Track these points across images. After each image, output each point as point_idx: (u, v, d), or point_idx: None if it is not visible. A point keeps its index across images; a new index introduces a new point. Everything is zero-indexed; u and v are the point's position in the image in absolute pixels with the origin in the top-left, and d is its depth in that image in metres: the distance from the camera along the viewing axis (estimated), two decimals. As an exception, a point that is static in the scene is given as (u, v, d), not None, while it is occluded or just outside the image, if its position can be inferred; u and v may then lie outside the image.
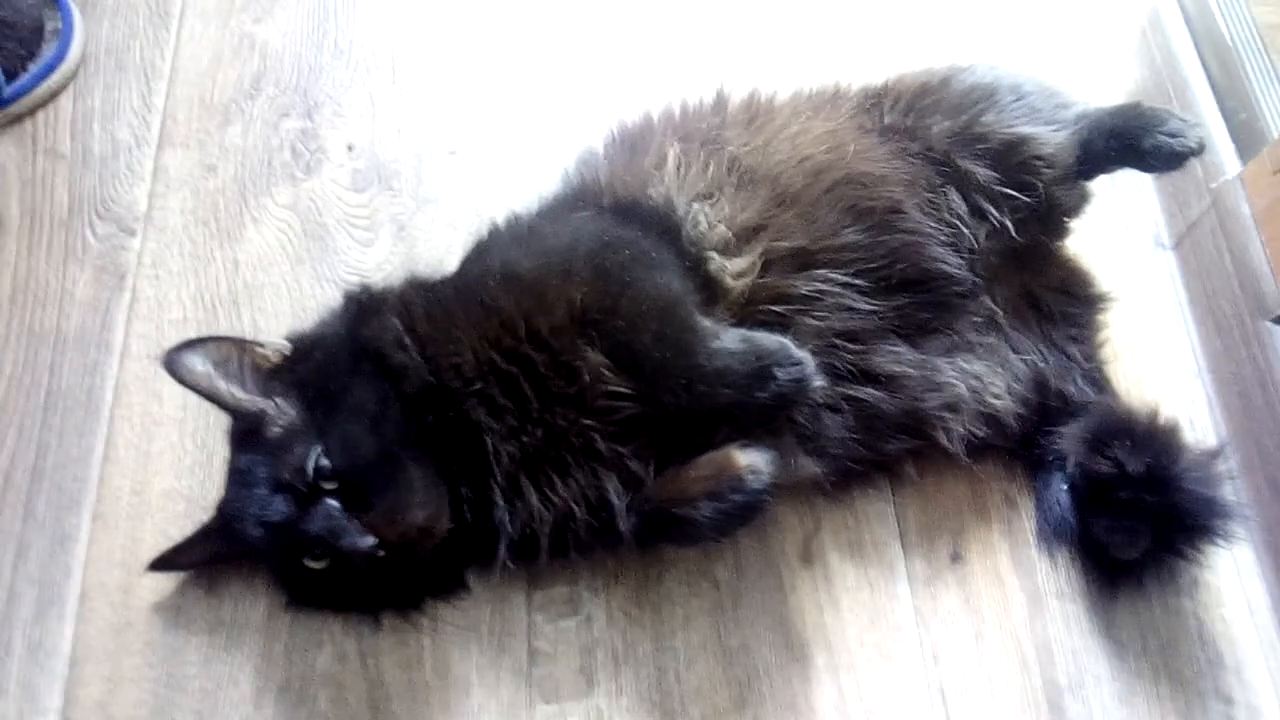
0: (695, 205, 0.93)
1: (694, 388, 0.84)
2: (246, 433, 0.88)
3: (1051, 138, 1.02)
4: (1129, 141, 1.01)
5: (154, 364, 1.06)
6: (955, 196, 1.00)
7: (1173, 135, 1.00)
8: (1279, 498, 1.06)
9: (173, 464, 1.02)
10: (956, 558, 1.04)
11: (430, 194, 1.19)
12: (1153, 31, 1.36)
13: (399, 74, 1.28)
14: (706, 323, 0.86)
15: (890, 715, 0.97)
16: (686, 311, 0.87)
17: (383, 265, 1.13)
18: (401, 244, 1.15)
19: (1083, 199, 1.10)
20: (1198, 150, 1.00)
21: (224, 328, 1.09)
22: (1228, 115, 1.25)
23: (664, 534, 0.89)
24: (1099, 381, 1.08)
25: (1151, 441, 0.98)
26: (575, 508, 0.87)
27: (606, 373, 0.86)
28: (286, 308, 1.10)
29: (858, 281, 0.94)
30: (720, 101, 1.07)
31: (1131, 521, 0.97)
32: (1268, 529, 1.07)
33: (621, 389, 0.86)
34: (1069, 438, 1.00)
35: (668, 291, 0.87)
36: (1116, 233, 1.28)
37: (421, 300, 0.91)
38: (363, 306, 0.92)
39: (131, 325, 1.10)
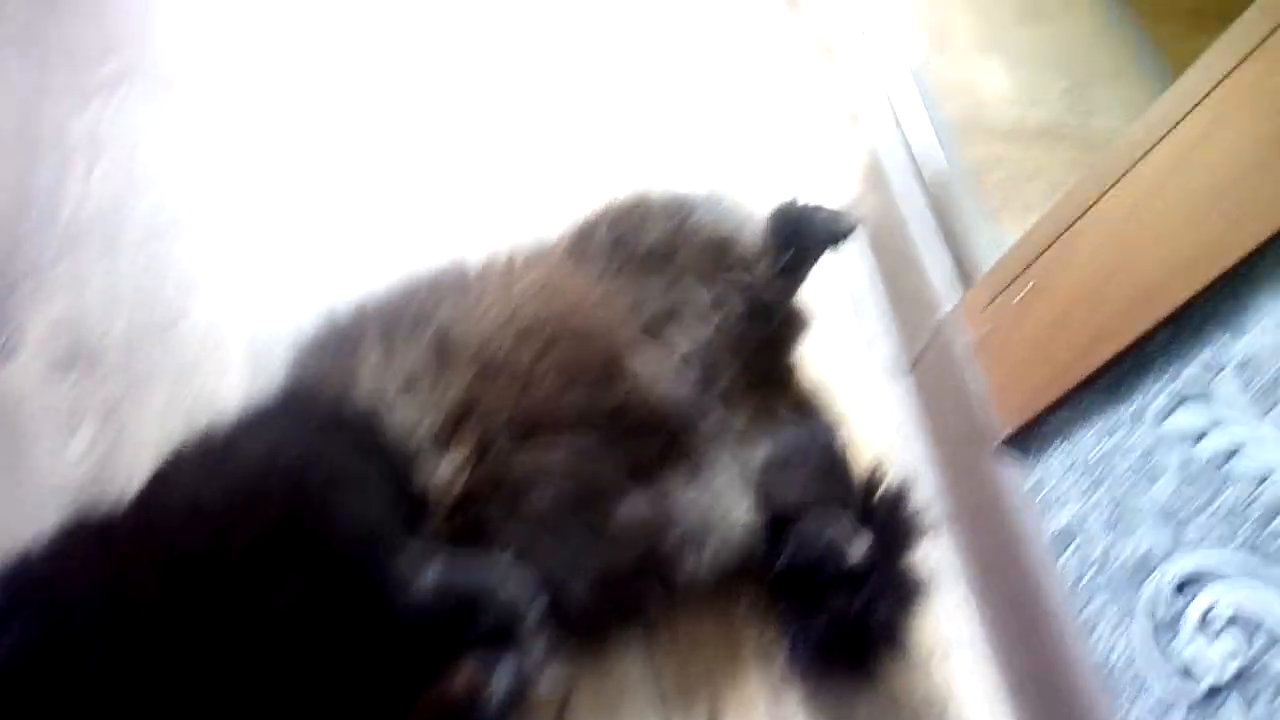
0: (397, 400, 0.88)
1: (388, 635, 0.78)
2: None
3: (750, 233, 1.13)
4: (798, 227, 1.15)
5: None
6: (676, 317, 1.03)
7: (829, 220, 1.16)
8: (1015, 622, 1.10)
9: None
10: (715, 718, 1.02)
11: (143, 373, 1.10)
12: (878, 166, 1.44)
13: (111, 244, 1.19)
14: (404, 562, 0.80)
15: None
16: (379, 550, 0.80)
17: (87, 456, 1.04)
18: (109, 430, 1.06)
19: (799, 316, 1.17)
20: (850, 230, 1.16)
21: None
22: (947, 248, 1.32)
23: None
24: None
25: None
26: None
27: (306, 614, 0.77)
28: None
29: (586, 440, 0.92)
30: (433, 275, 1.03)
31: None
32: (1004, 653, 1.10)
33: (322, 632, 0.78)
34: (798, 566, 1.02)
35: (362, 522, 0.81)
36: (856, 360, 1.33)
37: (102, 558, 0.78)
38: (51, 627, 0.75)
39: None
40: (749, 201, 1.19)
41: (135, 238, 1.20)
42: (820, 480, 1.06)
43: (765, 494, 1.03)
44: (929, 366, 1.29)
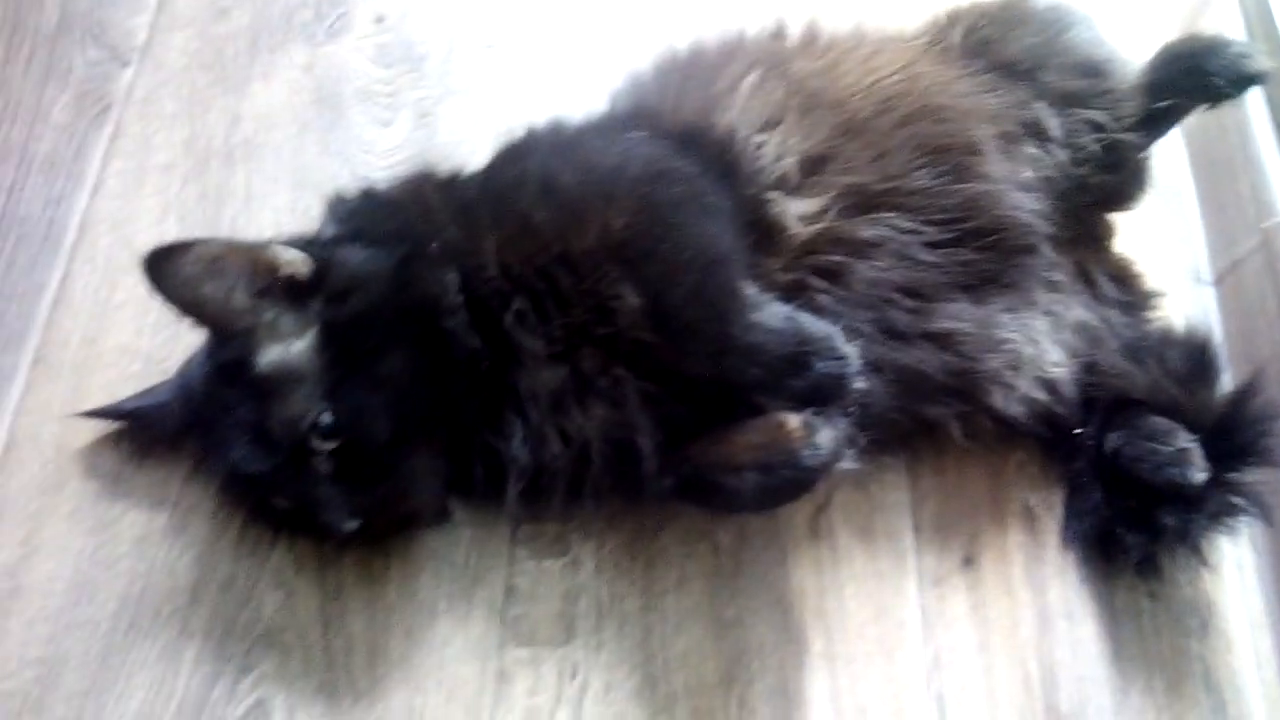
0: (757, 136, 0.84)
1: (722, 359, 0.75)
2: (233, 359, 0.74)
3: (1125, 65, 1.01)
4: (1196, 63, 0.98)
5: (128, 204, 0.95)
6: (1028, 139, 0.95)
7: (1241, 55, 0.97)
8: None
9: (134, 317, 0.89)
10: (969, 561, 0.97)
11: (458, 84, 1.08)
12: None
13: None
14: (750, 290, 0.77)
15: (883, 714, 0.89)
16: (731, 271, 0.77)
17: (398, 149, 1.03)
18: (421, 130, 1.05)
19: (1139, 177, 1.06)
20: (1263, 74, 0.96)
21: (214, 183, 0.98)
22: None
23: (699, 498, 0.81)
24: (1148, 368, 0.99)
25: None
26: (600, 453, 0.78)
27: (638, 318, 0.76)
28: (286, 174, 0.99)
29: (924, 229, 0.87)
30: (779, 29, 0.99)
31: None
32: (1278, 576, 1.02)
33: (650, 339, 0.77)
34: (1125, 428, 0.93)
35: (715, 243, 0.78)
36: (1157, 262, 1.23)
37: (449, 207, 0.80)
38: (408, 245, 0.78)
39: (110, 161, 0.97)
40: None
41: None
42: (1169, 381, 0.96)
43: (1090, 364, 0.96)
44: (1243, 275, 1.18)
